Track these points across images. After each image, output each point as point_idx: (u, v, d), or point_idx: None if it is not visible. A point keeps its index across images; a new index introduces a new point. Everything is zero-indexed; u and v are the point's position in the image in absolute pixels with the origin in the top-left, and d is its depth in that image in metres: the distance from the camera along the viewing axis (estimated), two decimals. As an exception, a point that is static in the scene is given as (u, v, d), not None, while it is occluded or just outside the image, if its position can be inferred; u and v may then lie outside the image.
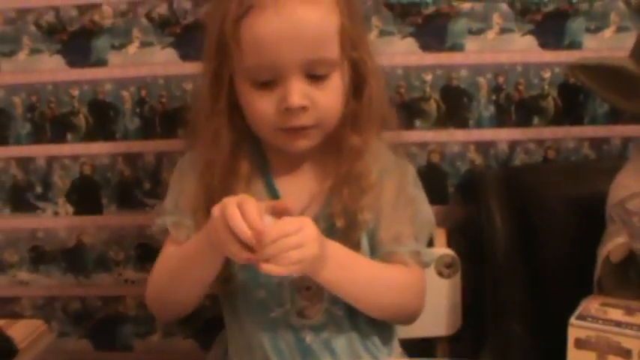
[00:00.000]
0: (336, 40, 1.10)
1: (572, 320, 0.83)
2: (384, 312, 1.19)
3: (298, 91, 1.08)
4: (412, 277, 1.18)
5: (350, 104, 1.15)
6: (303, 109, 1.09)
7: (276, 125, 1.12)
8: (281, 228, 0.99)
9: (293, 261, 1.00)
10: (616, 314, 0.83)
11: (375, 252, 1.18)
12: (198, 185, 1.18)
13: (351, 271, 1.12)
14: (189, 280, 1.14)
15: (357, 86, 1.15)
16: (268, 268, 0.99)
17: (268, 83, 1.10)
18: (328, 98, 1.11)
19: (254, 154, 1.20)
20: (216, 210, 1.02)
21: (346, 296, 1.14)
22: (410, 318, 1.22)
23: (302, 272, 1.04)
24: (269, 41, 1.06)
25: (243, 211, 0.98)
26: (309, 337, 1.18)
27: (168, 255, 1.18)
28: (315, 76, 1.10)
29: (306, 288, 1.17)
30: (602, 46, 1.49)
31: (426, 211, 1.22)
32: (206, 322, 1.63)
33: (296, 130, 1.12)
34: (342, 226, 1.14)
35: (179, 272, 1.15)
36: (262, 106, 1.11)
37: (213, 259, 1.09)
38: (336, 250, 1.10)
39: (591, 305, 0.86)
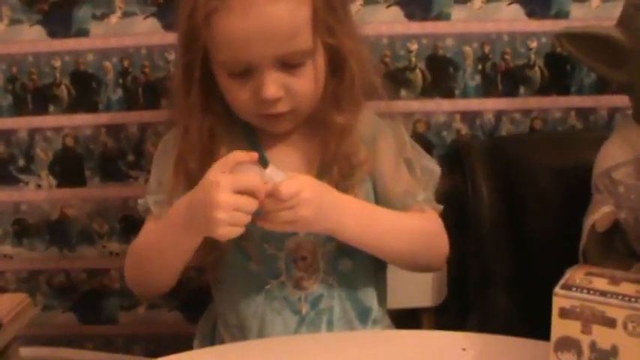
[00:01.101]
0: (309, 29, 1.08)
1: (557, 290, 0.82)
2: (415, 260, 1.19)
3: (273, 83, 1.08)
4: (431, 221, 1.19)
5: (330, 84, 1.14)
6: (279, 99, 1.09)
7: (255, 112, 1.12)
8: (277, 187, 0.99)
9: (284, 220, 1.01)
10: (601, 284, 0.83)
11: (386, 205, 1.16)
12: (178, 170, 1.16)
13: (372, 225, 1.11)
14: (162, 261, 1.13)
15: (336, 66, 1.14)
16: (261, 222, 1.01)
17: (244, 74, 1.09)
18: (304, 84, 1.11)
19: (242, 130, 1.19)
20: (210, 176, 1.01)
21: (374, 250, 1.14)
22: (440, 262, 1.23)
23: (303, 231, 1.07)
24: (239, 41, 1.05)
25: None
26: (304, 309, 1.18)
27: (147, 233, 1.17)
28: (289, 65, 1.09)
29: (302, 258, 1.16)
30: (589, 15, 1.49)
31: (428, 162, 1.22)
32: (192, 293, 1.62)
33: (274, 115, 1.12)
34: None
35: (154, 252, 1.13)
36: (239, 96, 1.11)
37: (189, 239, 1.08)
38: (353, 206, 1.10)
39: (576, 275, 0.86)
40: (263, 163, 1.14)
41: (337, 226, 1.07)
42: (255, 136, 1.20)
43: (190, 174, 1.13)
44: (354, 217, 1.09)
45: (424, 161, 1.22)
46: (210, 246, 1.13)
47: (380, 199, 1.18)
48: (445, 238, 1.20)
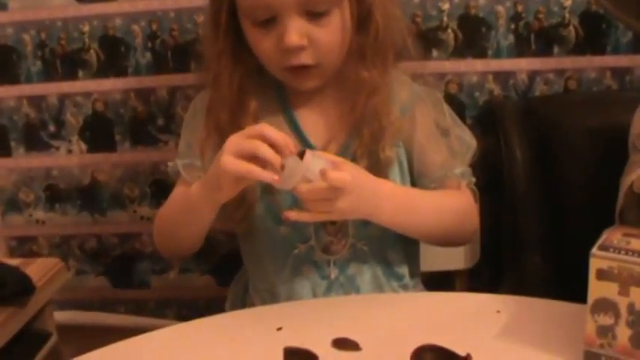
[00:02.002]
0: None
1: (594, 251, 0.81)
2: (446, 238, 1.19)
3: (296, 30, 1.06)
4: (465, 198, 1.18)
5: (355, 39, 1.12)
6: (302, 47, 1.07)
7: (279, 64, 1.10)
8: (317, 191, 0.97)
9: (321, 210, 1.00)
10: (639, 245, 0.81)
11: (423, 180, 1.16)
12: (208, 123, 1.16)
13: (409, 210, 1.10)
14: (187, 224, 1.13)
15: (362, 20, 1.12)
16: (292, 215, 1.00)
17: (268, 22, 1.07)
18: (328, 36, 1.08)
19: (272, 89, 1.18)
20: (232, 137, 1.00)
21: (408, 232, 1.14)
22: (469, 238, 1.23)
23: (339, 218, 1.05)
24: None
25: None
26: (333, 273, 1.17)
27: (175, 196, 1.17)
28: (313, 13, 1.07)
29: (331, 223, 1.15)
30: (626, -30, 1.45)
31: (465, 134, 1.21)
32: (222, 257, 1.63)
33: (299, 69, 1.10)
34: (365, 166, 1.11)
35: (180, 215, 1.13)
36: (264, 46, 1.09)
37: (211, 205, 1.07)
38: (392, 191, 1.09)
39: (614, 236, 0.84)
40: (293, 124, 1.13)
41: (373, 211, 1.06)
42: (284, 95, 1.18)
43: (221, 127, 1.12)
44: (390, 203, 1.07)
45: (462, 133, 1.20)
46: (238, 202, 1.12)
47: (415, 169, 1.17)
48: (476, 215, 1.20)
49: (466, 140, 1.19)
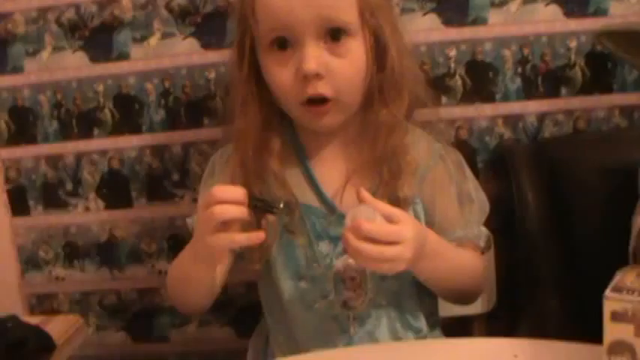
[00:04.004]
0: (354, 5, 1.09)
1: (608, 293, 0.81)
2: (461, 295, 1.21)
3: (314, 57, 1.07)
4: (483, 261, 1.21)
5: (374, 78, 1.13)
6: (319, 76, 1.08)
7: (297, 97, 1.11)
8: (379, 231, 0.99)
9: (380, 269, 1.02)
10: (653, 285, 0.81)
11: (442, 235, 1.15)
12: (234, 166, 1.17)
13: (441, 262, 1.12)
14: (192, 283, 1.15)
15: (379, 57, 1.13)
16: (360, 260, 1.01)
17: (286, 48, 1.10)
18: (346, 67, 1.10)
19: (288, 138, 1.20)
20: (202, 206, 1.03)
21: (432, 283, 1.16)
22: (476, 298, 1.25)
23: (395, 271, 1.04)
24: (282, 4, 1.07)
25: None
26: (353, 328, 1.17)
27: (183, 254, 1.19)
28: (333, 42, 1.09)
29: (351, 278, 1.15)
30: (628, 11, 1.47)
31: (482, 195, 1.22)
32: (241, 309, 1.63)
33: (316, 105, 1.11)
34: None
35: (185, 274, 1.15)
36: (282, 77, 1.11)
37: (207, 270, 1.11)
38: (432, 242, 1.09)
39: (627, 277, 0.84)
40: (308, 174, 1.15)
41: (417, 262, 1.05)
42: (300, 145, 1.20)
43: (246, 163, 1.15)
44: (432, 254, 1.08)
45: (480, 195, 1.21)
46: (254, 257, 1.14)
47: (434, 225, 1.17)
48: (485, 277, 1.23)
49: (482, 200, 1.20)
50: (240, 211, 0.99)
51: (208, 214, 0.99)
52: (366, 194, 1.02)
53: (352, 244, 0.97)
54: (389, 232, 0.98)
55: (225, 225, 0.99)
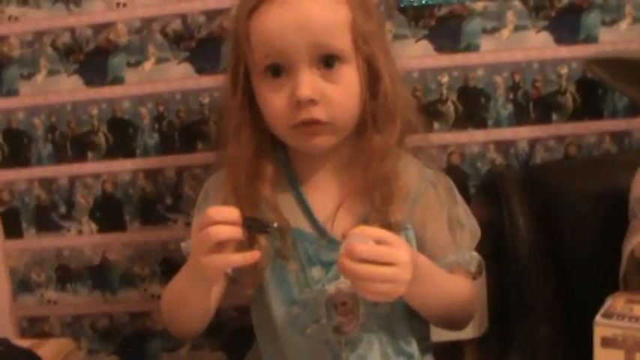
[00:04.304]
0: (347, 33, 1.10)
1: (598, 319, 0.82)
2: (451, 321, 1.21)
3: (308, 83, 1.08)
4: (474, 287, 1.21)
5: (368, 105, 1.14)
6: (313, 102, 1.09)
7: (290, 121, 1.11)
8: (373, 252, 0.99)
9: (380, 292, 1.00)
10: (643, 311, 0.82)
11: (433, 260, 1.15)
12: (226, 192, 1.18)
13: (433, 286, 1.11)
14: (187, 306, 1.15)
15: (372, 85, 1.15)
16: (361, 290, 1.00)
17: (280, 75, 1.11)
18: (340, 93, 1.11)
19: (281, 163, 1.21)
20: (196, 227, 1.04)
21: (422, 308, 1.15)
22: (467, 325, 1.25)
23: (395, 296, 1.02)
24: (276, 29, 1.08)
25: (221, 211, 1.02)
26: (344, 353, 1.17)
27: (177, 277, 1.19)
28: (327, 68, 1.10)
29: (342, 303, 1.15)
30: (618, 38, 1.48)
31: (472, 220, 1.23)
32: (233, 333, 1.63)
33: (309, 126, 1.11)
34: None
35: (179, 297, 1.15)
36: (275, 102, 1.11)
37: (203, 290, 1.11)
38: (424, 266, 1.09)
39: (617, 303, 0.85)
40: (301, 200, 1.15)
41: (412, 288, 1.04)
42: (292, 171, 1.21)
43: (238, 189, 1.15)
44: (422, 277, 1.07)
45: (471, 221, 1.22)
46: (246, 282, 1.15)
47: (425, 251, 1.16)
48: (476, 302, 1.23)
49: (473, 226, 1.20)
50: (235, 232, 1.00)
51: (203, 235, 1.00)
52: (353, 230, 1.02)
53: (349, 266, 0.97)
54: (383, 253, 0.98)
55: (220, 246, 1.00)
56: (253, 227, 1.04)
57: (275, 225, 1.06)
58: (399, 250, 1.00)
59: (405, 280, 1.00)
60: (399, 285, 1.00)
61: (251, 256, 1.01)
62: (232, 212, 1.01)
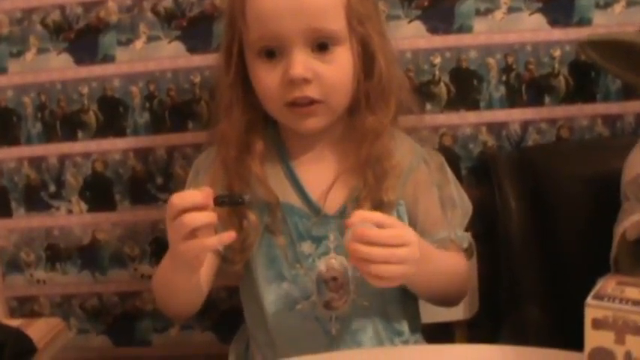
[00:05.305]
0: (341, 14, 1.10)
1: (589, 300, 0.82)
2: (446, 298, 1.21)
3: (301, 63, 1.09)
4: (465, 263, 1.21)
5: (362, 85, 1.14)
6: (306, 81, 1.09)
7: (282, 99, 1.12)
8: (383, 235, 0.97)
9: (393, 274, 0.98)
10: (633, 293, 0.82)
11: (425, 239, 1.13)
12: (216, 168, 1.17)
13: (428, 263, 1.09)
14: (174, 290, 1.14)
15: (367, 65, 1.14)
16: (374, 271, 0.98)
17: (274, 56, 1.11)
18: (334, 73, 1.11)
19: (271, 139, 1.21)
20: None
21: (417, 288, 1.15)
22: (460, 300, 1.26)
23: (405, 278, 1.02)
24: (271, 12, 1.08)
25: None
26: (335, 329, 1.18)
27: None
28: (320, 49, 1.10)
29: (333, 279, 1.16)
30: (611, 21, 1.48)
31: (464, 197, 1.23)
32: (223, 314, 1.63)
33: (303, 106, 1.12)
34: (369, 209, 1.13)
35: (166, 282, 1.14)
36: (268, 80, 1.12)
37: (188, 274, 1.09)
38: (424, 245, 1.08)
39: (608, 285, 0.85)
40: (291, 175, 1.15)
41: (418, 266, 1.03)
42: (283, 146, 1.21)
43: (228, 163, 1.15)
44: (427, 256, 1.06)
45: (462, 197, 1.22)
46: (237, 247, 1.14)
47: (416, 227, 1.16)
48: (469, 279, 1.23)
49: (465, 204, 1.20)
50: (209, 216, 0.97)
51: (177, 225, 0.97)
52: (352, 218, 1.01)
53: (363, 250, 0.95)
54: (394, 235, 0.98)
55: (197, 230, 0.99)
56: (226, 203, 1.03)
57: (247, 197, 1.05)
58: (406, 230, 1.01)
59: (416, 259, 0.99)
60: (410, 265, 0.99)
61: (227, 236, 0.99)
62: (196, 196, 0.97)
